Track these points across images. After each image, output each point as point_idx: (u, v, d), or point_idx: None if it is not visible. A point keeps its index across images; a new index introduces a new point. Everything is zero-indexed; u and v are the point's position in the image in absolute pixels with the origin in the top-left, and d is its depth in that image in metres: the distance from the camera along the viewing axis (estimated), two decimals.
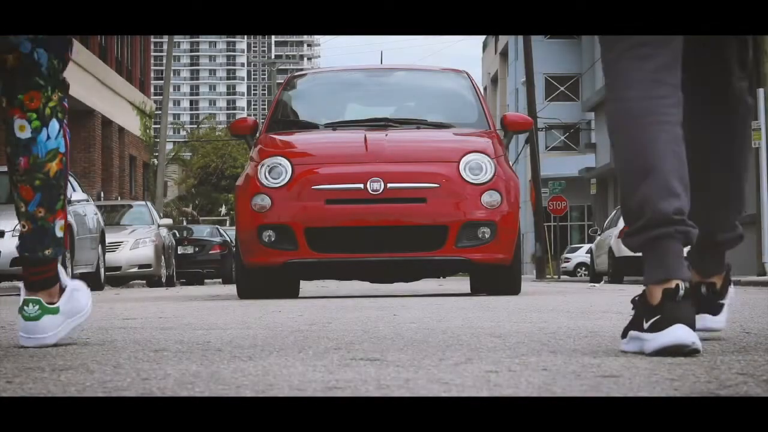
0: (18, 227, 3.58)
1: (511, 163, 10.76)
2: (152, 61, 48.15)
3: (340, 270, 10.51)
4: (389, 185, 9.92)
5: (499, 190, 10.03)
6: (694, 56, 3.42)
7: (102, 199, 33.88)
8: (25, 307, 3.46)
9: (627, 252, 23.97)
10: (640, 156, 2.97)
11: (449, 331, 4.12)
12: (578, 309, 6.41)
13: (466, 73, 12.02)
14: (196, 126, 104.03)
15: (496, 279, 10.45)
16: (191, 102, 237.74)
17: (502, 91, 71.14)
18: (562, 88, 60.53)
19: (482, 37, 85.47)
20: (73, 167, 28.65)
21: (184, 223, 53.11)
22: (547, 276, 38.93)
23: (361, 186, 9.94)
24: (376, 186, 9.91)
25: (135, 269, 23.31)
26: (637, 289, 4.10)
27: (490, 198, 9.99)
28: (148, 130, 44.92)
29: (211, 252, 32.28)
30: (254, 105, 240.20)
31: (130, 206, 26.42)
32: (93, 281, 18.39)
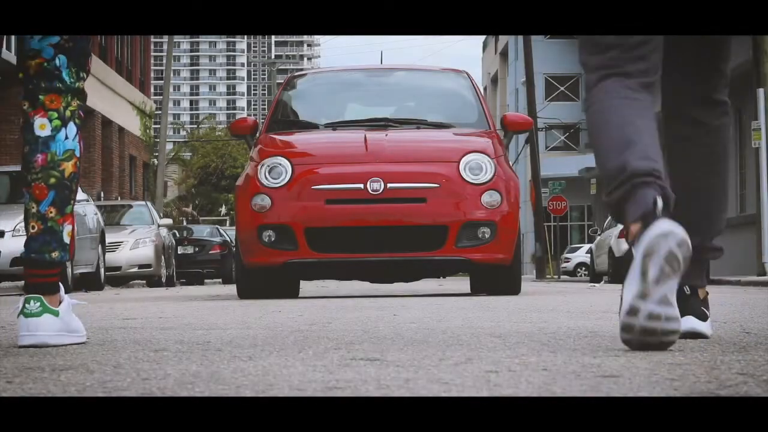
0: (20, 227, 3.58)
1: (511, 163, 10.76)
2: (152, 61, 48.16)
3: (340, 270, 10.51)
4: (389, 185, 9.93)
5: (499, 190, 10.03)
6: (670, 85, 3.61)
7: (102, 199, 33.88)
8: (27, 305, 3.47)
9: (627, 252, 23.97)
10: (619, 134, 3.19)
11: (449, 331, 4.12)
12: (578, 309, 6.41)
13: (466, 73, 12.02)
14: (196, 126, 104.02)
15: (496, 279, 10.45)
16: (191, 102, 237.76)
17: (502, 91, 71.15)
18: (562, 88, 60.53)
19: (482, 37, 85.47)
20: None
21: (184, 223, 53.11)
22: (547, 276, 38.93)
23: (361, 186, 9.94)
24: (376, 186, 9.91)
25: (135, 269, 23.31)
26: None
27: (490, 198, 9.99)
28: (148, 130, 44.93)
29: (211, 252, 32.30)
30: (254, 105, 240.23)
31: (130, 206, 26.43)
32: (93, 281, 18.40)
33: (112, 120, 38.60)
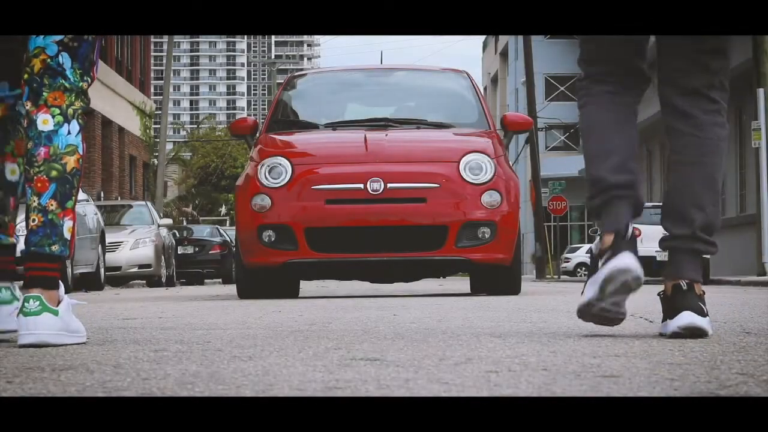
0: (20, 226, 3.59)
1: (511, 163, 10.76)
2: (152, 61, 48.15)
3: (340, 270, 10.51)
4: (389, 185, 9.93)
5: (499, 190, 10.03)
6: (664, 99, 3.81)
7: (102, 199, 33.89)
8: (26, 304, 3.44)
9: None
10: (601, 142, 3.68)
11: (449, 331, 4.12)
12: None
13: (466, 73, 12.02)
14: (196, 126, 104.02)
15: (496, 279, 10.45)
16: (191, 102, 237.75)
17: (502, 91, 71.15)
18: (562, 88, 60.53)
19: (482, 37, 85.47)
20: None
21: (184, 223, 53.12)
22: (547, 276, 38.92)
23: (361, 186, 9.94)
24: (376, 186, 9.92)
25: (135, 269, 23.31)
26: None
27: (490, 198, 9.99)
28: (148, 130, 44.94)
29: (211, 252, 32.30)
30: (254, 105, 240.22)
31: (130, 206, 26.43)
32: (93, 281, 18.40)
33: (112, 120, 38.61)
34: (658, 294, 3.67)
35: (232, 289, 15.52)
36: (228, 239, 32.57)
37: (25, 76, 3.65)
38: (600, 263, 3.58)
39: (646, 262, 23.21)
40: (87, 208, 18.41)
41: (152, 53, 48.08)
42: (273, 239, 9.93)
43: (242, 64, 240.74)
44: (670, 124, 3.78)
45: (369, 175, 9.95)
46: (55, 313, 3.46)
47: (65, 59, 3.63)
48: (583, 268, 43.29)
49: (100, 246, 18.95)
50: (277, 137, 10.71)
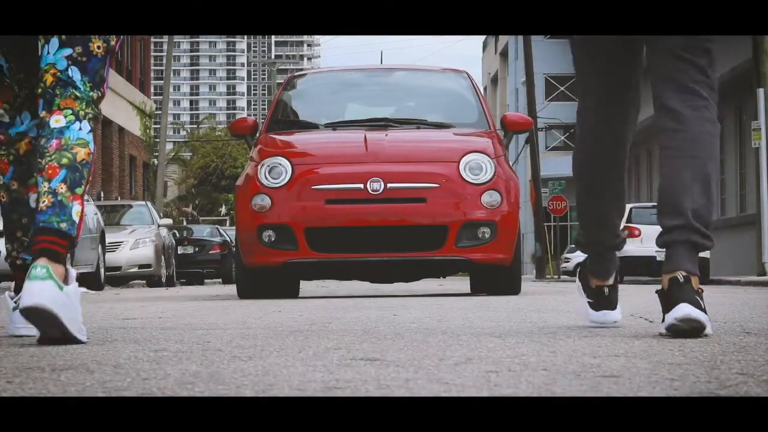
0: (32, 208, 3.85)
1: (511, 163, 10.76)
2: (152, 61, 48.16)
3: (340, 270, 10.51)
4: (389, 185, 9.93)
5: (499, 190, 10.03)
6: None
7: (102, 199, 33.88)
8: (32, 271, 3.42)
9: (627, 252, 23.98)
10: (590, 203, 4.18)
11: (449, 331, 4.12)
12: None
13: (466, 73, 12.01)
14: (196, 126, 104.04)
15: (496, 279, 10.45)
16: (191, 102, 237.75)
17: (502, 91, 71.15)
18: (562, 88, 60.52)
19: (482, 37, 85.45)
20: None
21: (184, 223, 53.11)
22: (547, 276, 38.92)
23: (361, 186, 9.94)
24: (376, 186, 9.92)
25: (135, 269, 23.30)
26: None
27: (490, 198, 9.99)
28: (148, 130, 44.94)
29: (211, 252, 32.29)
30: (254, 105, 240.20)
31: (130, 206, 26.42)
32: (93, 281, 18.40)
33: (112, 120, 38.60)
34: (656, 292, 3.66)
35: (232, 289, 15.52)
36: (228, 239, 32.57)
37: (39, 90, 3.79)
38: (589, 301, 4.31)
39: (646, 261, 23.08)
40: (87, 208, 18.37)
41: (152, 53, 48.08)
42: (273, 239, 9.93)
43: (242, 64, 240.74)
44: (661, 121, 3.84)
45: (369, 175, 9.95)
46: (61, 287, 3.42)
47: (74, 72, 3.77)
48: None
49: (100, 246, 18.95)
50: (277, 137, 10.71)
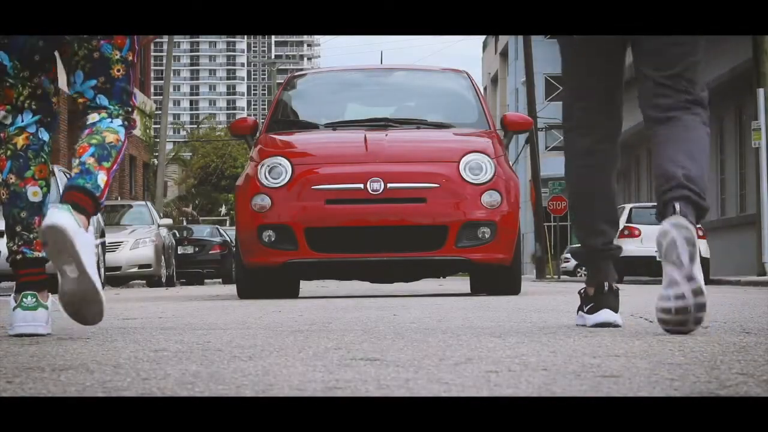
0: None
1: (511, 163, 10.76)
2: (152, 61, 48.13)
3: (340, 270, 10.51)
4: (389, 185, 9.92)
5: (499, 190, 10.03)
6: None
7: None
8: (55, 209, 3.77)
9: (627, 252, 24.00)
10: (580, 205, 4.27)
11: (449, 331, 4.12)
12: None
13: (466, 73, 12.01)
14: (196, 126, 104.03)
15: (496, 279, 10.45)
16: (191, 102, 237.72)
17: (502, 91, 71.13)
18: (562, 88, 60.50)
19: (482, 37, 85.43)
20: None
21: (184, 223, 53.10)
22: (547, 276, 38.91)
23: (361, 186, 9.94)
24: (376, 186, 9.91)
25: (135, 269, 23.30)
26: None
27: (490, 198, 9.98)
28: (148, 130, 44.93)
29: (211, 252, 32.28)
30: (254, 105, 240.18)
31: (130, 206, 26.41)
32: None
33: None
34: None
35: (232, 289, 15.53)
36: (228, 239, 32.56)
37: (79, 113, 4.14)
38: (585, 308, 4.27)
39: (646, 262, 23.08)
40: None
41: (152, 53, 48.07)
42: (273, 239, 9.93)
43: (242, 64, 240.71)
44: (648, 116, 4.06)
45: (369, 175, 9.95)
46: (79, 225, 3.75)
47: (102, 100, 4.11)
48: (583, 269, 43.28)
49: (100, 246, 18.94)
50: (277, 137, 10.71)
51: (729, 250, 28.42)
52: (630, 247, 23.95)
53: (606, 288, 4.20)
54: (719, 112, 31.78)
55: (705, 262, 23.79)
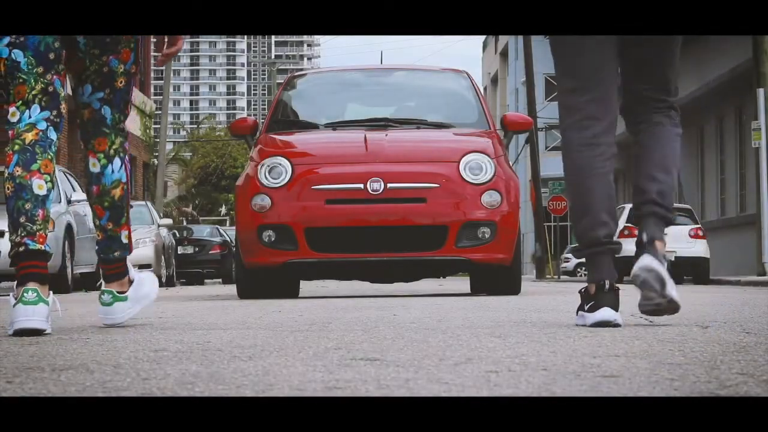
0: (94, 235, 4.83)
1: (511, 163, 10.76)
2: (152, 61, 48.11)
3: (340, 270, 10.51)
4: (389, 185, 9.92)
5: (499, 190, 10.03)
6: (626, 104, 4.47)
7: None
8: (102, 296, 4.67)
9: (627, 252, 23.95)
10: (582, 198, 4.32)
11: (449, 331, 4.12)
12: None
13: (466, 73, 12.01)
14: (196, 126, 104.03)
15: (496, 279, 10.45)
16: (191, 102, 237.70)
17: (502, 91, 71.13)
18: (558, 86, 60.45)
19: (482, 37, 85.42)
20: (73, 167, 28.69)
21: (184, 223, 53.09)
22: (547, 276, 38.91)
23: (361, 186, 9.94)
24: (376, 186, 9.91)
25: (135, 269, 23.26)
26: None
27: (490, 198, 9.98)
28: (148, 130, 44.93)
29: (211, 252, 32.28)
30: (254, 105, 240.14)
31: (130, 206, 26.35)
32: (93, 281, 18.41)
33: None
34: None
35: (232, 289, 15.52)
36: (228, 239, 32.56)
37: (78, 120, 4.58)
38: (586, 307, 4.28)
39: None
40: (87, 209, 18.41)
41: (152, 53, 48.05)
42: (273, 239, 9.93)
43: (242, 64, 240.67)
44: (629, 120, 4.46)
45: (369, 175, 9.95)
46: (124, 299, 4.67)
47: (106, 111, 4.57)
48: (583, 268, 43.28)
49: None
50: (277, 137, 10.71)
51: (729, 250, 28.41)
52: (630, 247, 23.91)
53: (607, 287, 4.24)
54: (719, 112, 31.77)
55: (705, 262, 23.80)
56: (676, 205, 26.32)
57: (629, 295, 4.77)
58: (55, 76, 4.28)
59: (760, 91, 22.80)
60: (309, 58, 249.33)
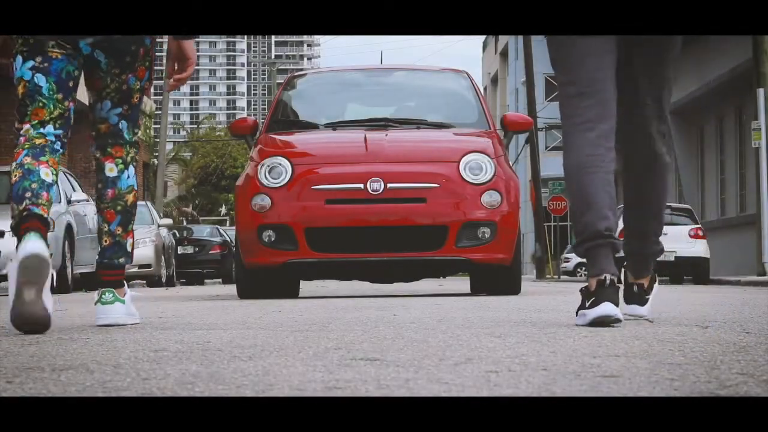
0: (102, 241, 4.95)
1: (511, 163, 10.76)
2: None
3: (340, 270, 10.51)
4: (389, 185, 9.92)
5: (499, 190, 10.03)
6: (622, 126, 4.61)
7: None
8: (103, 296, 4.79)
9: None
10: (583, 195, 4.37)
11: (449, 331, 4.12)
12: None
13: (466, 73, 12.01)
14: (196, 126, 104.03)
15: (496, 279, 10.45)
16: (191, 102, 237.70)
17: (502, 91, 71.13)
18: (559, 87, 60.43)
19: (482, 37, 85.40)
20: (73, 167, 28.68)
21: (184, 223, 53.09)
22: (547, 276, 38.92)
23: (361, 186, 9.93)
24: (376, 186, 9.91)
25: (135, 269, 23.29)
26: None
27: (490, 198, 9.98)
28: (148, 130, 44.93)
29: (211, 252, 32.28)
30: (254, 105, 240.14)
31: None
32: (93, 281, 18.41)
33: None
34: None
35: (232, 289, 15.52)
36: (228, 239, 32.55)
37: (93, 133, 4.79)
38: (587, 303, 4.29)
39: None
40: (87, 209, 18.43)
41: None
42: (273, 239, 9.93)
43: (242, 64, 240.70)
44: (624, 136, 4.67)
45: (369, 175, 9.95)
46: (123, 302, 4.81)
47: (123, 125, 4.79)
48: (583, 268, 43.27)
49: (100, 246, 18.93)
50: (277, 137, 10.71)
51: (729, 250, 28.41)
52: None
53: (607, 282, 4.25)
54: (719, 112, 31.77)
55: (705, 262, 23.79)
56: (676, 205, 26.39)
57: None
58: (71, 103, 4.53)
59: (760, 91, 22.80)
60: (309, 58, 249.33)
